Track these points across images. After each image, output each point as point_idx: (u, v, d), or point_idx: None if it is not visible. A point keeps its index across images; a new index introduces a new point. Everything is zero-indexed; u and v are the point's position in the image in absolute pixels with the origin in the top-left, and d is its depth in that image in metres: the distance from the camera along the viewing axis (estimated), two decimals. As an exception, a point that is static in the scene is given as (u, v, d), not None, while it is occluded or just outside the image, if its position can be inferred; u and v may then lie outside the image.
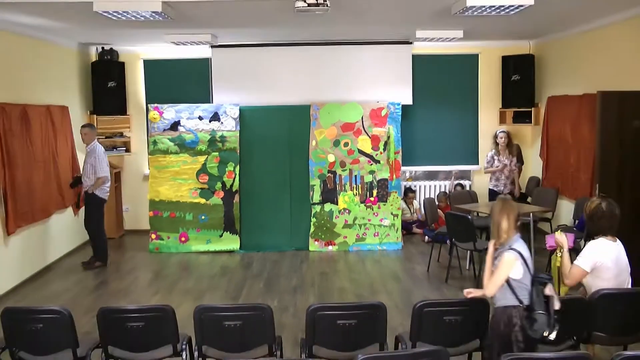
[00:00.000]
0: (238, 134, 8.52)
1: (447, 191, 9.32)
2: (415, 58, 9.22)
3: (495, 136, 8.32)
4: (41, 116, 7.42)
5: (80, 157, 8.03)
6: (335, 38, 8.80)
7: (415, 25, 7.52)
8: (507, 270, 3.62)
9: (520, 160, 8.64)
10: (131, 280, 7.18)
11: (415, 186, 9.54)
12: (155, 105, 8.57)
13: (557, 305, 3.56)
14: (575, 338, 4.03)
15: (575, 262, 4.14)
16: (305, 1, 5.40)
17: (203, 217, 8.47)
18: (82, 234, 8.10)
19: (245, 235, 8.56)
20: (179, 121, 8.50)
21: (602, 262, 4.09)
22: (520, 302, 3.59)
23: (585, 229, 6.40)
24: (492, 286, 3.67)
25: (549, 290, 3.60)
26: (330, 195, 8.57)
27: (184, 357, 3.97)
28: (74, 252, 8.31)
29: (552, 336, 3.52)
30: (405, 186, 9.43)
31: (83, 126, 7.63)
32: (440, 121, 9.46)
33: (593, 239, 4.20)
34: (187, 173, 8.48)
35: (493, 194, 8.11)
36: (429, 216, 7.87)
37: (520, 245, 3.67)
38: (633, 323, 4.09)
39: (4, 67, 6.77)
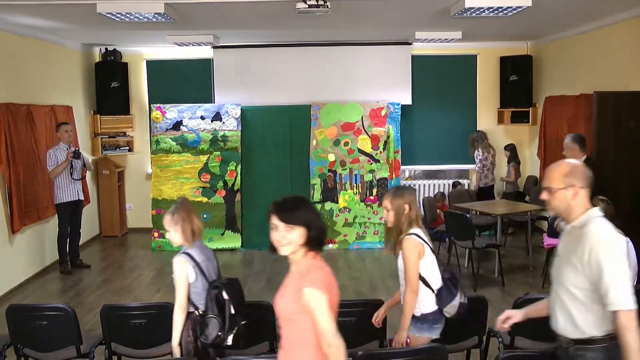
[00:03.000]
0: (240, 134, 8.60)
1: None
2: (415, 59, 9.28)
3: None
4: (45, 116, 7.50)
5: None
6: (335, 39, 8.86)
7: (415, 26, 7.57)
8: (180, 275, 3.42)
9: (517, 160, 8.72)
10: (134, 278, 7.26)
11: (414, 185, 9.60)
12: (158, 105, 8.65)
13: (232, 310, 3.38)
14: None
15: None
16: (305, 2, 5.46)
17: (205, 216, 8.53)
18: (85, 232, 8.16)
19: (246, 234, 8.64)
20: (181, 121, 8.58)
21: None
22: (196, 308, 3.45)
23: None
24: (178, 297, 3.42)
25: (225, 294, 3.39)
26: (330, 194, 8.65)
27: (185, 353, 4.04)
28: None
29: (229, 340, 3.36)
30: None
31: (67, 123, 7.45)
32: (439, 121, 9.52)
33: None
34: (190, 172, 8.56)
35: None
36: (428, 215, 7.94)
37: (196, 250, 3.49)
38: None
39: (9, 68, 6.85)
